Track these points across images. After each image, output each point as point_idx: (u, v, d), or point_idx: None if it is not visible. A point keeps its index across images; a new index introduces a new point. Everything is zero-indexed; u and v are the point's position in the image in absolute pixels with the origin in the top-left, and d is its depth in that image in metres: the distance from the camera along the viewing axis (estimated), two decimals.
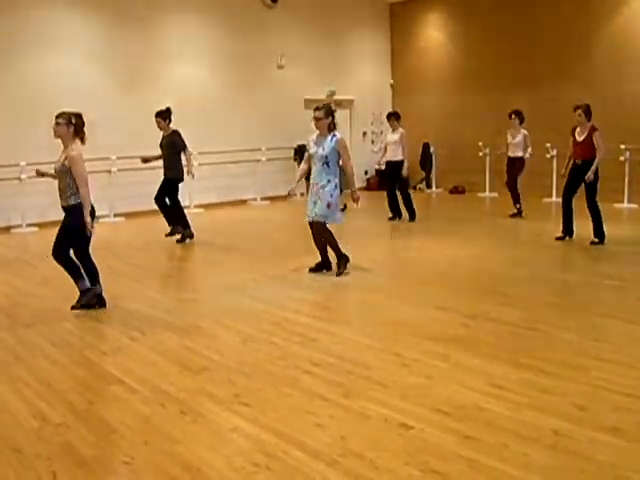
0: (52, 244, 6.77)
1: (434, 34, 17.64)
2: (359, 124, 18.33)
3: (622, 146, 13.24)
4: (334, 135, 7.94)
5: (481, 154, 15.88)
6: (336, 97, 17.25)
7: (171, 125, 10.52)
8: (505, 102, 15.65)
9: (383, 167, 12.69)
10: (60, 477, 3.60)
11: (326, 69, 17.28)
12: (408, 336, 5.82)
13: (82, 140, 6.77)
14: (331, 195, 7.93)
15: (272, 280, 8.04)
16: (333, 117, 8.02)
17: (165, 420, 4.28)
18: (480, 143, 15.81)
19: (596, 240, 9.64)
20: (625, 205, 13.52)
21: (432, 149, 17.38)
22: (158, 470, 3.64)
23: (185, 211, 10.89)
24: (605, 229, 9.68)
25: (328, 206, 7.93)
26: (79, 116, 6.78)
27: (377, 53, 18.59)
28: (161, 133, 10.62)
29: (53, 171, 6.87)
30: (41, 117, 12.32)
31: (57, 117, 6.72)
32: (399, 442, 3.87)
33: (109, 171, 12.74)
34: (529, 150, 12.30)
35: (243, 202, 15.68)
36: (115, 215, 12.79)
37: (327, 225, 8.06)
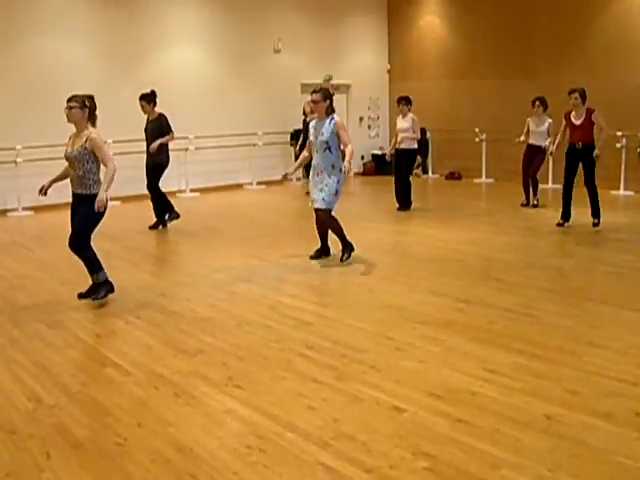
0: (70, 235, 6.33)
1: (432, 19, 17.56)
2: (356, 109, 18.25)
3: (619, 133, 13.22)
4: (332, 118, 7.78)
5: (478, 140, 15.84)
6: (333, 82, 17.20)
7: (157, 109, 10.24)
8: (502, 88, 15.70)
9: (389, 155, 12.08)
10: (54, 458, 3.62)
11: (323, 53, 17.20)
12: (402, 320, 5.84)
13: (93, 123, 6.31)
14: (338, 181, 7.76)
15: (267, 264, 8.04)
16: (331, 100, 7.87)
17: (159, 402, 4.30)
18: (477, 129, 15.78)
19: (595, 221, 9.82)
20: (622, 192, 13.50)
21: (428, 134, 17.33)
22: (151, 451, 3.65)
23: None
24: (601, 210, 9.83)
25: (336, 193, 7.77)
26: (92, 98, 6.35)
27: (374, 38, 18.49)
28: (145, 117, 10.33)
29: (64, 158, 6.42)
30: (37, 100, 12.36)
31: (69, 100, 6.23)
32: (391, 425, 3.89)
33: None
34: (550, 139, 11.56)
35: (239, 186, 15.63)
36: (111, 199, 12.76)
37: (332, 212, 7.89)
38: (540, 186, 12.04)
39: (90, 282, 6.53)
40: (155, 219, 10.56)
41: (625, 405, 4.10)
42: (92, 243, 6.45)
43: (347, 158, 7.53)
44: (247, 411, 4.11)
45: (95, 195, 6.18)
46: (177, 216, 10.56)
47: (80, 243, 6.32)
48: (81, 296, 6.58)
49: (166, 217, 10.53)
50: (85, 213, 6.27)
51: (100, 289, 6.46)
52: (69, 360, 5.14)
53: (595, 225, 9.82)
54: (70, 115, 6.23)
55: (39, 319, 6.08)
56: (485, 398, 4.22)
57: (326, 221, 7.94)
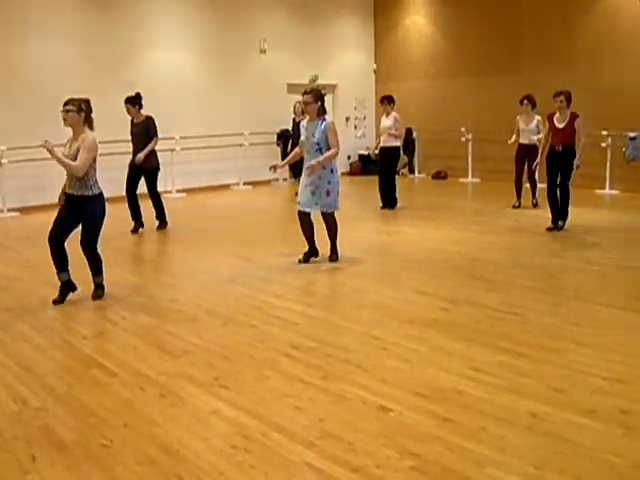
0: (80, 238, 6.52)
1: (417, 19, 17.59)
2: (342, 109, 18.28)
3: (604, 132, 13.30)
4: (324, 120, 7.72)
5: (464, 139, 15.88)
6: (319, 82, 17.20)
7: (144, 110, 10.14)
8: (488, 87, 15.74)
9: (374, 153, 12.26)
10: (39, 460, 3.60)
11: (309, 54, 17.20)
12: (388, 320, 5.85)
13: (90, 126, 6.44)
14: (329, 182, 7.76)
15: (253, 264, 8.04)
16: (323, 101, 7.81)
17: (145, 403, 4.29)
18: (463, 128, 15.82)
19: (561, 223, 9.69)
20: (607, 191, 13.58)
21: (415, 134, 17.37)
22: (137, 452, 3.65)
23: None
24: (570, 213, 9.73)
25: (328, 194, 7.78)
26: (88, 102, 6.43)
27: (360, 38, 18.50)
28: (129, 120, 10.22)
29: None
30: (22, 101, 12.30)
31: (66, 104, 6.32)
32: (377, 424, 3.90)
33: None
34: (540, 136, 11.31)
35: (226, 187, 15.61)
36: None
37: (335, 214, 8.00)
38: (526, 185, 12.05)
39: (60, 288, 6.67)
40: (158, 221, 10.45)
41: (610, 402, 4.12)
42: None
43: (322, 157, 7.63)
44: (233, 411, 4.11)
45: (96, 196, 6.47)
46: (165, 225, 10.45)
47: (92, 245, 6.58)
48: (56, 302, 6.58)
49: (138, 226, 10.37)
50: (92, 215, 6.50)
51: (99, 290, 6.75)
52: (55, 362, 5.13)
53: (560, 228, 9.66)
54: (67, 118, 6.33)
55: (24, 320, 6.05)
56: (471, 397, 4.24)
57: (331, 223, 8.05)
